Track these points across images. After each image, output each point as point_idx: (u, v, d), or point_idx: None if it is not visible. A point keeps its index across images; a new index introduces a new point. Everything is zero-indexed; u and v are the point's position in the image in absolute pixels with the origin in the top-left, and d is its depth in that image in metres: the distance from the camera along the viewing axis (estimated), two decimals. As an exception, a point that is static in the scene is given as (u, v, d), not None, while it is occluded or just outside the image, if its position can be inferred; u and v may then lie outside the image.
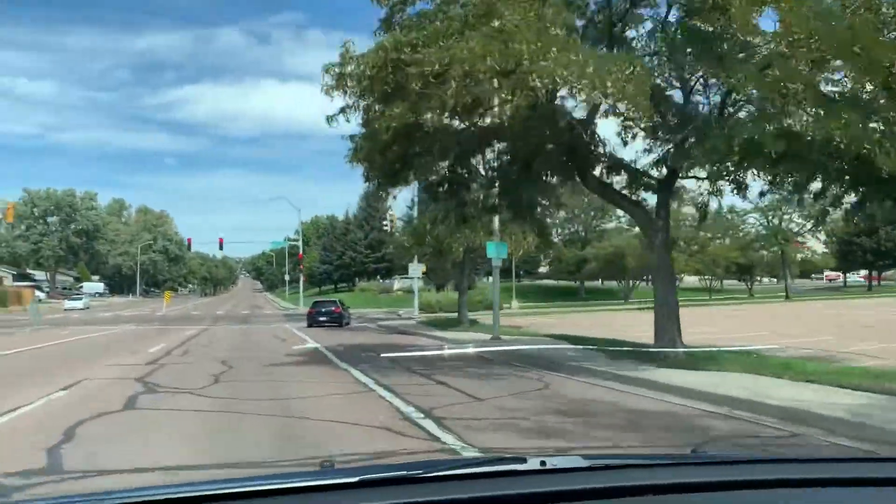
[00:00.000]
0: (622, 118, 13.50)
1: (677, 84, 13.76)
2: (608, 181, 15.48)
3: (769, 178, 13.33)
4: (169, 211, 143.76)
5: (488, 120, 16.88)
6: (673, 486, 1.77)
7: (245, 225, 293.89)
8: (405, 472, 1.73)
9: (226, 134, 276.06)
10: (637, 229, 66.26)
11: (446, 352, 16.39)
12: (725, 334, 22.46)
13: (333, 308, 34.68)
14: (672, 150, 13.79)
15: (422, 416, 8.49)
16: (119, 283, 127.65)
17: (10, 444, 7.02)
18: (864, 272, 74.23)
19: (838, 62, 10.80)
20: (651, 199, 16.63)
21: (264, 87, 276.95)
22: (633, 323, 33.10)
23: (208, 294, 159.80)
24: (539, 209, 18.18)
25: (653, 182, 15.49)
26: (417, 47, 11.39)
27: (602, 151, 15.02)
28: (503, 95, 12.64)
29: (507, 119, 16.46)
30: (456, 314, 43.79)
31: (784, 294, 56.25)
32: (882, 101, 10.69)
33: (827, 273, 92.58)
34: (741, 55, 11.64)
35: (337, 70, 12.45)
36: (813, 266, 78.15)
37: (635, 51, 13.78)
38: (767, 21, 11.69)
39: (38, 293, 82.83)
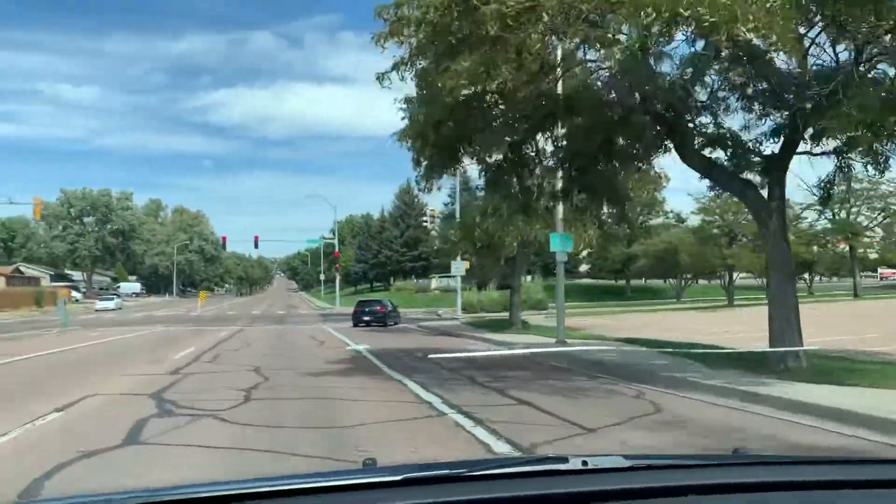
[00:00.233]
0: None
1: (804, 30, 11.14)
2: (713, 157, 12.91)
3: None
4: (205, 211, 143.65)
5: (560, 87, 14.49)
6: (715, 486, 1.74)
7: (280, 225, 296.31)
8: (448, 471, 1.73)
9: (260, 136, 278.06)
10: (687, 223, 63.23)
11: (519, 351, 13.98)
12: (821, 337, 19.68)
13: (378, 308, 33.76)
14: (797, 113, 11.18)
15: (525, 458, 6.11)
16: (156, 284, 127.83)
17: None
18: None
19: None
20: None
21: (298, 90, 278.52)
22: (700, 324, 30.40)
23: (244, 294, 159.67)
24: (618, 194, 15.66)
25: (760, 159, 12.87)
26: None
27: (705, 121, 12.48)
28: (597, 46, 10.22)
29: (588, 81, 14.07)
30: (502, 315, 41.41)
31: (852, 292, 52.55)
32: None
33: (882, 270, 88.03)
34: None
35: (392, 12, 10.15)
36: (869, 263, 73.81)
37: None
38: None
39: (74, 293, 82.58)
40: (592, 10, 8.79)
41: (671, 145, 13.52)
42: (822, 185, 12.49)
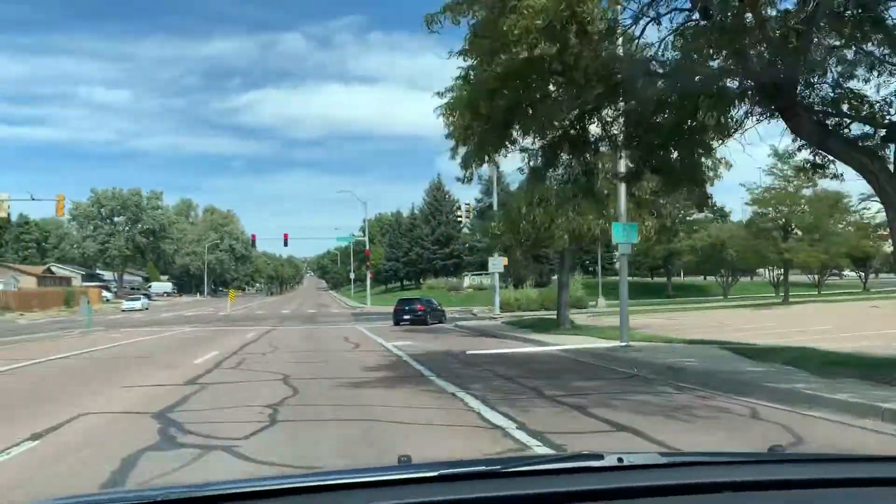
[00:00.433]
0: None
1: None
2: (829, 125, 10.66)
3: None
4: (235, 211, 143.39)
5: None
6: (750, 483, 1.72)
7: (309, 225, 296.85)
8: (483, 468, 1.74)
9: (290, 136, 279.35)
10: (730, 218, 60.32)
11: (582, 345, 11.95)
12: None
13: (418, 306, 32.99)
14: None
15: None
16: (187, 283, 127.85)
17: None
18: None
19: None
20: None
21: (327, 90, 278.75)
22: (763, 322, 28.01)
23: (274, 293, 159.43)
24: (697, 175, 13.47)
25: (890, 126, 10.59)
26: None
27: (823, 82, 10.26)
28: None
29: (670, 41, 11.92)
30: (542, 314, 39.26)
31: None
32: None
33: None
34: None
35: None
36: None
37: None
38: None
39: (105, 293, 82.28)
40: None
41: (767, 114, 11.36)
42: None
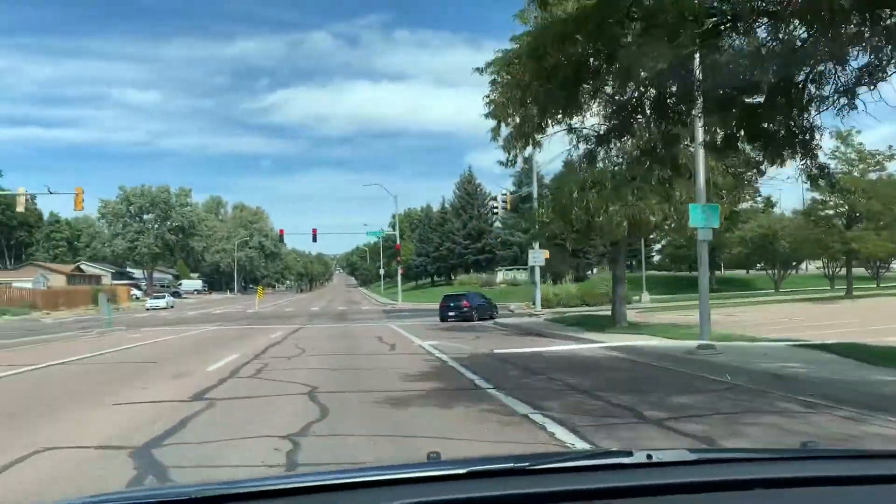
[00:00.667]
0: None
1: None
2: None
3: None
4: (265, 209, 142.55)
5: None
6: (782, 480, 1.69)
7: (338, 222, 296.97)
8: (512, 465, 1.72)
9: (318, 135, 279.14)
10: (777, 208, 56.95)
11: (655, 342, 9.66)
12: None
13: (463, 302, 31.67)
14: None
15: None
16: (218, 280, 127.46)
17: None
18: None
19: None
20: None
21: (354, 88, 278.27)
22: (835, 318, 25.27)
23: (304, 290, 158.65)
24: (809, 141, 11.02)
25: None
26: None
27: None
28: None
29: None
30: (585, 310, 36.69)
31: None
32: None
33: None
34: None
35: None
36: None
37: None
38: None
39: (135, 291, 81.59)
40: None
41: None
42: None
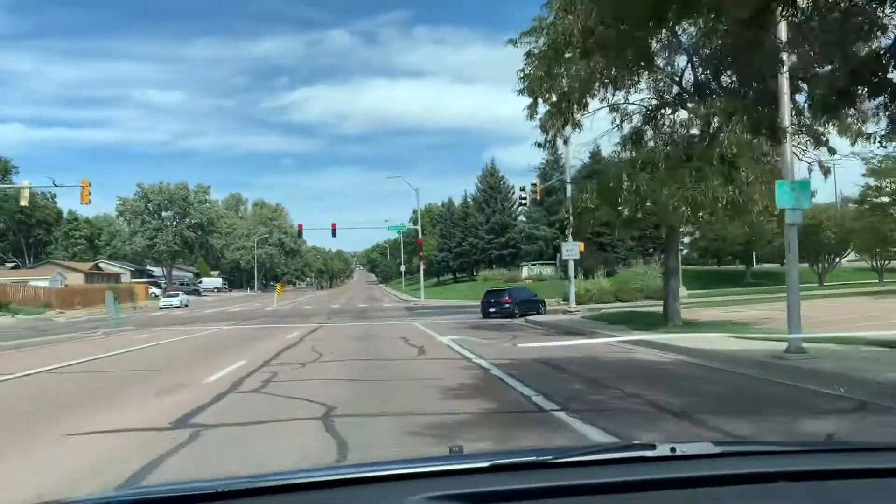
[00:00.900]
0: None
1: None
2: None
3: None
4: (285, 206, 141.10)
5: None
6: (807, 473, 1.68)
7: (358, 220, 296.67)
8: (535, 458, 1.71)
9: (338, 132, 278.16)
10: (815, 197, 53.80)
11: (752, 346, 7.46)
12: None
13: (504, 298, 30.34)
14: None
15: None
16: (238, 278, 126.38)
17: None
18: None
19: None
20: None
21: (374, 86, 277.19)
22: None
23: (324, 287, 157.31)
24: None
25: None
26: None
27: None
28: None
29: None
30: (621, 306, 34.31)
31: None
32: None
33: None
34: None
35: None
36: None
37: None
38: None
39: (154, 289, 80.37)
40: None
41: None
42: None
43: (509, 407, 8.10)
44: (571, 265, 32.04)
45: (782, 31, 9.60)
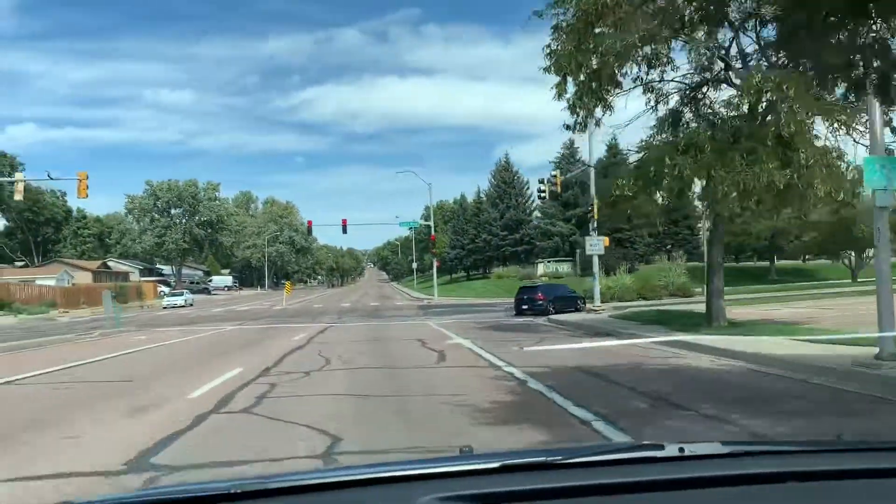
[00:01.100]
0: None
1: None
2: None
3: None
4: (296, 205, 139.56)
5: None
6: (816, 473, 1.66)
7: (369, 218, 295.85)
8: (545, 458, 1.70)
9: (349, 131, 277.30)
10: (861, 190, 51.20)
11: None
12: None
13: (538, 295, 29.75)
14: None
15: None
16: (249, 276, 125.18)
17: None
18: None
19: None
20: None
21: (384, 84, 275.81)
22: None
23: (335, 285, 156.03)
24: None
25: None
26: None
27: None
28: None
29: None
30: (645, 304, 32.29)
31: None
32: None
33: None
34: None
35: None
36: None
37: None
38: None
39: (163, 288, 79.06)
40: None
41: None
42: None
43: (566, 436, 6.30)
44: (596, 261, 30.12)
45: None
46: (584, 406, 7.57)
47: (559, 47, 18.21)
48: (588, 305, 30.18)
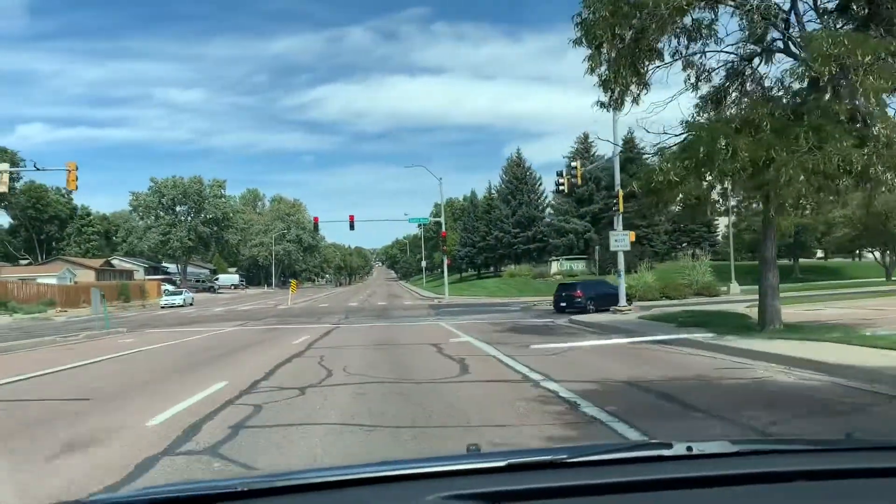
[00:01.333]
0: None
1: None
2: None
3: None
4: (304, 204, 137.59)
5: None
6: (825, 472, 1.64)
7: (378, 216, 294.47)
8: (552, 457, 1.69)
9: (358, 130, 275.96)
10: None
11: None
12: None
13: (575, 293, 29.14)
14: None
15: None
16: (256, 275, 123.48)
17: None
18: None
19: None
20: None
21: (393, 83, 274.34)
22: None
23: (343, 284, 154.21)
24: None
25: None
26: None
27: None
28: None
29: None
30: (668, 304, 30.04)
31: None
32: None
33: None
34: None
35: None
36: None
37: None
38: None
39: (168, 286, 77.35)
40: None
41: None
42: None
43: None
44: (621, 257, 27.93)
45: None
46: (652, 435, 5.51)
47: (591, 15, 16.18)
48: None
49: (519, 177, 75.65)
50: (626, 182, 26.81)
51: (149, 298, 64.18)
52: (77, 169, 26.38)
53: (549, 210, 74.75)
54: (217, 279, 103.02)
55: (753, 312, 23.72)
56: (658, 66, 16.70)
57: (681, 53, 17.40)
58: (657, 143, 16.99)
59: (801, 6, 16.16)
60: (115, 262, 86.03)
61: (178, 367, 12.58)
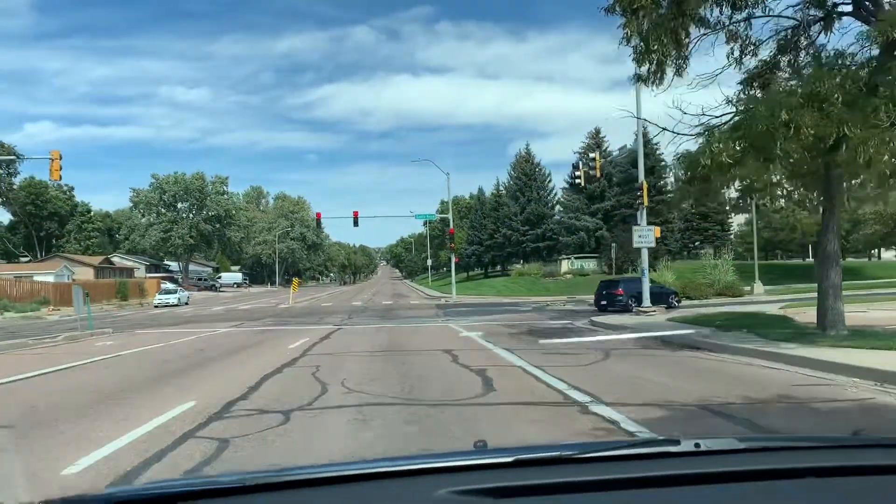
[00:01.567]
0: None
1: None
2: None
3: None
4: (309, 202, 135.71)
5: None
6: (834, 468, 1.63)
7: (383, 214, 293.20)
8: (559, 453, 1.68)
9: (362, 129, 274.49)
10: None
11: None
12: None
13: (616, 290, 28.18)
14: None
15: None
16: (259, 273, 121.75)
17: None
18: None
19: None
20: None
21: (397, 82, 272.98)
22: None
23: (347, 282, 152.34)
24: None
25: None
26: None
27: None
28: None
29: None
30: (695, 304, 27.83)
31: None
32: None
33: None
34: None
35: None
36: None
37: None
38: None
39: (169, 284, 75.54)
40: None
41: None
42: None
43: None
44: (645, 255, 25.88)
45: None
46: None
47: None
48: (635, 307, 26.03)
49: (528, 173, 73.56)
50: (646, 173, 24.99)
51: (148, 297, 62.39)
52: (61, 158, 24.53)
53: (558, 207, 72.71)
54: (219, 277, 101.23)
55: (791, 314, 21.77)
56: (701, 36, 14.72)
57: (723, 24, 15.46)
58: (697, 125, 15.00)
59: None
60: (115, 259, 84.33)
61: (145, 379, 10.63)
